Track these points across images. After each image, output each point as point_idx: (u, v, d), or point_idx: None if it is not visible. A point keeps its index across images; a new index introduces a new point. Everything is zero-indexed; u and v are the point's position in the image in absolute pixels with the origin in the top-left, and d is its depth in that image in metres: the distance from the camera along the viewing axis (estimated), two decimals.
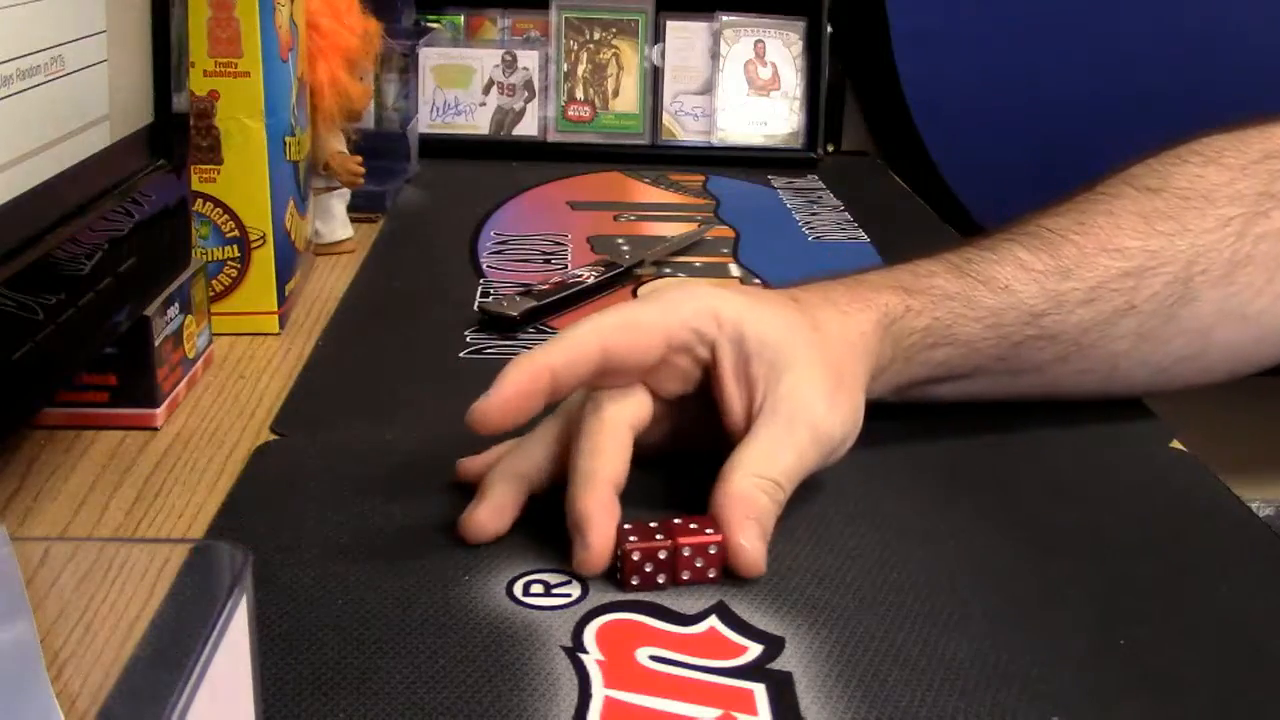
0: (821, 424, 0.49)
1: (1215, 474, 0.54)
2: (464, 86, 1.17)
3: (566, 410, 0.50)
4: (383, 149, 0.98)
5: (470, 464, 0.51)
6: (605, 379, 0.49)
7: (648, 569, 0.44)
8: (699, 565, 0.45)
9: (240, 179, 0.68)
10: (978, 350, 0.56)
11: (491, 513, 0.47)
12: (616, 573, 0.45)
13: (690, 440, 0.52)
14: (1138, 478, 0.55)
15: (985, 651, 0.41)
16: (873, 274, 0.57)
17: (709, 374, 0.50)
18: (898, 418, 0.56)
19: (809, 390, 0.49)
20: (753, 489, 0.47)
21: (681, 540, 0.45)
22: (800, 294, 0.54)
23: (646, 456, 0.49)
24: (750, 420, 0.49)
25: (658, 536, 0.45)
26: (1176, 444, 0.58)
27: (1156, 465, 0.56)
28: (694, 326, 0.50)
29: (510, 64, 1.17)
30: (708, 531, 0.45)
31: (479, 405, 0.46)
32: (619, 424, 0.48)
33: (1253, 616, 0.44)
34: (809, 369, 0.50)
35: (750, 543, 0.45)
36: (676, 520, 0.46)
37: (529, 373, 0.47)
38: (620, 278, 0.79)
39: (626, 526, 0.45)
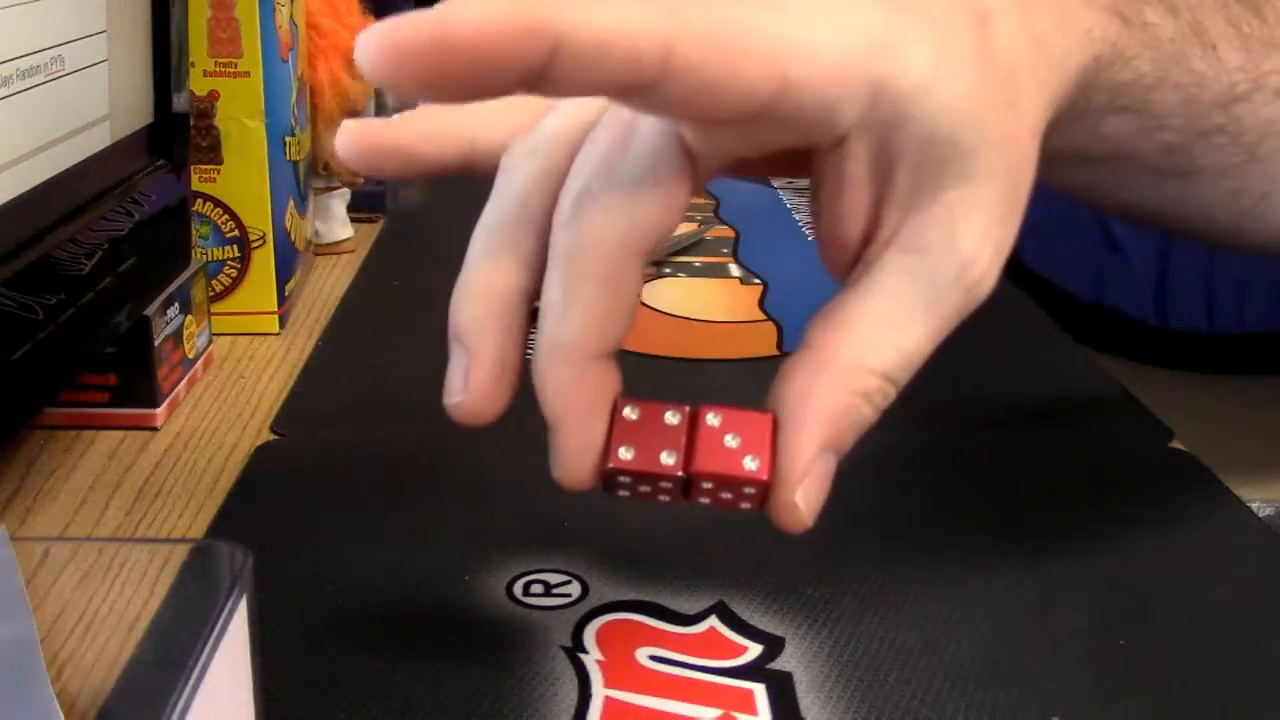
0: (982, 279, 0.31)
1: (1215, 474, 0.54)
2: None
3: (545, 162, 0.32)
4: None
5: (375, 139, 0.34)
6: (631, 100, 0.28)
7: (643, 489, 0.31)
8: (726, 497, 0.31)
9: (240, 179, 0.68)
10: (1156, 131, 0.39)
11: (494, 375, 0.31)
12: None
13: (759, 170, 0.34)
14: (1138, 478, 0.55)
15: (985, 651, 0.41)
16: None
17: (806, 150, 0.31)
18: (898, 417, 0.55)
19: (977, 222, 0.30)
20: (850, 398, 0.31)
21: (701, 468, 0.30)
22: (995, 20, 0.31)
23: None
24: (866, 247, 0.31)
25: (664, 456, 0.30)
26: (1176, 444, 0.58)
27: (1156, 465, 0.56)
28: (829, 90, 0.28)
29: None
30: (748, 463, 0.30)
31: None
32: (619, 251, 0.30)
33: (1253, 616, 0.44)
34: (989, 184, 0.30)
35: (806, 502, 0.30)
36: (710, 416, 0.31)
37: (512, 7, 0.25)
38: None
39: (627, 415, 0.31)
